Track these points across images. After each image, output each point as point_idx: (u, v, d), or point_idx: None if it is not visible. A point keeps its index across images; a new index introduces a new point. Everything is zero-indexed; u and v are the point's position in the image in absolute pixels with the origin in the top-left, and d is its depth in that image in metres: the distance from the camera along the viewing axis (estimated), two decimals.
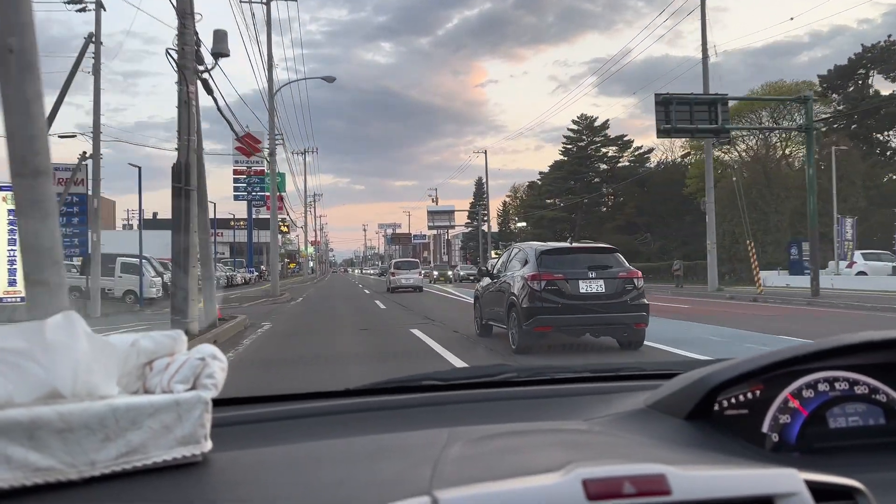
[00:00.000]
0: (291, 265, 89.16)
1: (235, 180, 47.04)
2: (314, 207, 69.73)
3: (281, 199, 48.19)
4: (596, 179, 59.82)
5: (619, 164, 58.74)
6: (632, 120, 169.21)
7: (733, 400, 1.11)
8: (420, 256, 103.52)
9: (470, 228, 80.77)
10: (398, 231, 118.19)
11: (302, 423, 1.25)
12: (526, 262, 9.01)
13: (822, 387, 1.09)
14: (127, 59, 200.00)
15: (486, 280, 10.74)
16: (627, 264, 9.08)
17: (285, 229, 63.26)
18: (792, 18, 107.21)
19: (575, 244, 10.62)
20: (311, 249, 69.39)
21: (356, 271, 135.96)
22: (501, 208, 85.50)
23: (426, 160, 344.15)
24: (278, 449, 1.09)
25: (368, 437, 1.11)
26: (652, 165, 56.52)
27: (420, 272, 31.96)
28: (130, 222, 74.09)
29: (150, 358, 1.03)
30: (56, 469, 0.86)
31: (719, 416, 1.11)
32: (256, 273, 50.58)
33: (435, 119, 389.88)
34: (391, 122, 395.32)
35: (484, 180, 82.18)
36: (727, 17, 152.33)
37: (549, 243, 10.33)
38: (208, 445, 0.96)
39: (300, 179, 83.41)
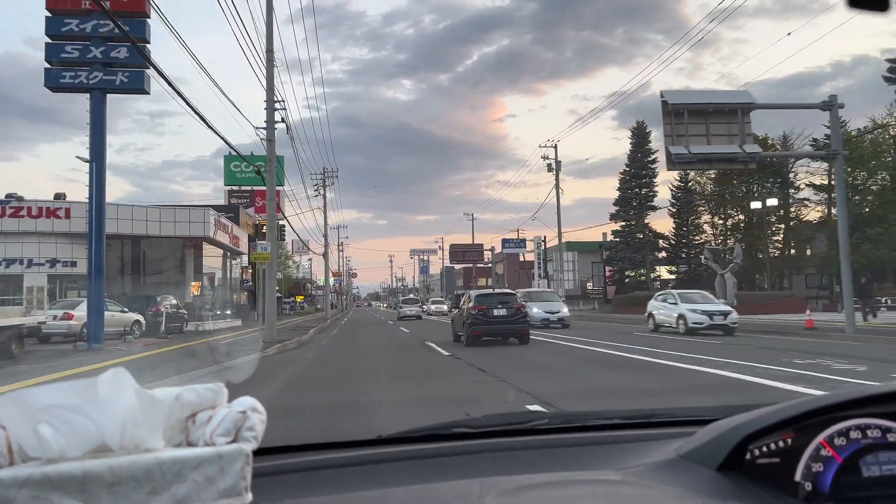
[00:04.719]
0: (299, 298, 67.17)
1: (50, 22, 16.38)
2: (324, 203, 46.79)
3: (276, 194, 35.07)
4: None
5: None
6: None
7: (765, 448, 1.11)
8: (473, 282, 66.99)
9: (622, 225, 48.29)
10: (458, 244, 69.68)
11: (336, 472, 1.27)
12: (470, 300, 16.93)
13: (854, 434, 1.08)
14: (153, 99, 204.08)
15: (456, 310, 20.65)
16: (518, 300, 16.91)
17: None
18: (789, 33, 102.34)
19: (495, 291, 20.42)
20: (326, 280, 56.57)
21: (403, 308, 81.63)
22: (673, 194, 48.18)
23: (447, 194, 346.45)
24: (315, 500, 1.10)
25: (402, 489, 1.13)
26: None
27: (420, 306, 43.82)
28: None
29: (193, 411, 1.06)
30: None
31: (751, 464, 1.11)
32: (142, 324, 21.70)
33: (455, 154, 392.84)
34: (412, 158, 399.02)
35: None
36: (747, 49, 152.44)
37: (483, 290, 21.63)
38: (249, 497, 0.98)
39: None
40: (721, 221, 49.44)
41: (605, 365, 11.31)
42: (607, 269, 51.82)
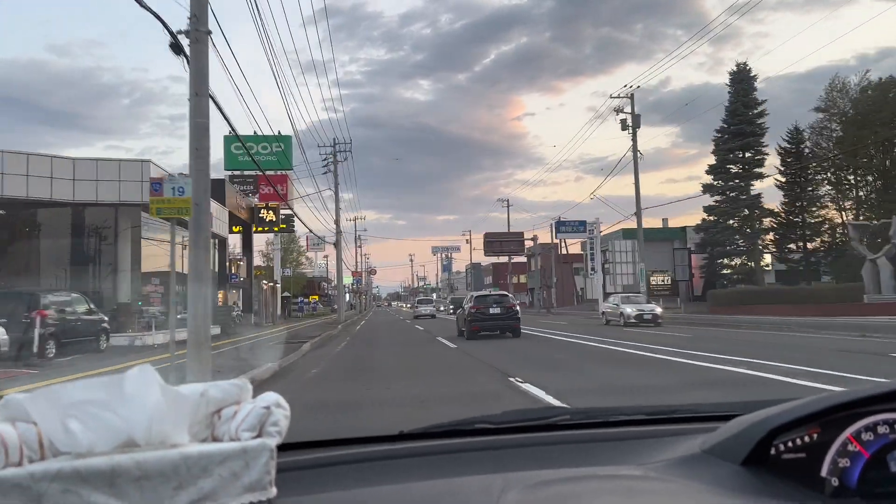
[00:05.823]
0: (312, 298, 61.97)
1: None
2: (335, 177, 38.28)
3: (284, 180, 30.13)
4: None
5: None
6: (674, 149, 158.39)
7: (790, 444, 1.08)
8: (507, 278, 58.80)
9: (716, 200, 38.00)
10: (492, 232, 57.74)
11: (358, 467, 1.26)
12: (470, 300, 20.25)
13: (881, 429, 1.06)
14: (172, 103, 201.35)
15: (460, 309, 22.83)
16: (512, 299, 20.24)
17: (269, 216, 32.65)
18: None
19: (491, 293, 21.95)
20: (339, 274, 46.64)
21: (419, 308, 56.52)
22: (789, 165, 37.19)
23: (466, 194, 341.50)
24: (338, 495, 1.12)
25: (424, 483, 1.14)
26: None
27: (434, 306, 46.79)
28: None
29: (218, 407, 1.05)
30: None
31: (776, 460, 1.08)
32: None
33: (473, 153, 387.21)
34: (430, 158, 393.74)
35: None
36: (769, 43, 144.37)
37: (481, 291, 24.20)
38: (273, 492, 0.98)
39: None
40: (845, 192, 38.21)
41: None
42: (693, 257, 41.64)
